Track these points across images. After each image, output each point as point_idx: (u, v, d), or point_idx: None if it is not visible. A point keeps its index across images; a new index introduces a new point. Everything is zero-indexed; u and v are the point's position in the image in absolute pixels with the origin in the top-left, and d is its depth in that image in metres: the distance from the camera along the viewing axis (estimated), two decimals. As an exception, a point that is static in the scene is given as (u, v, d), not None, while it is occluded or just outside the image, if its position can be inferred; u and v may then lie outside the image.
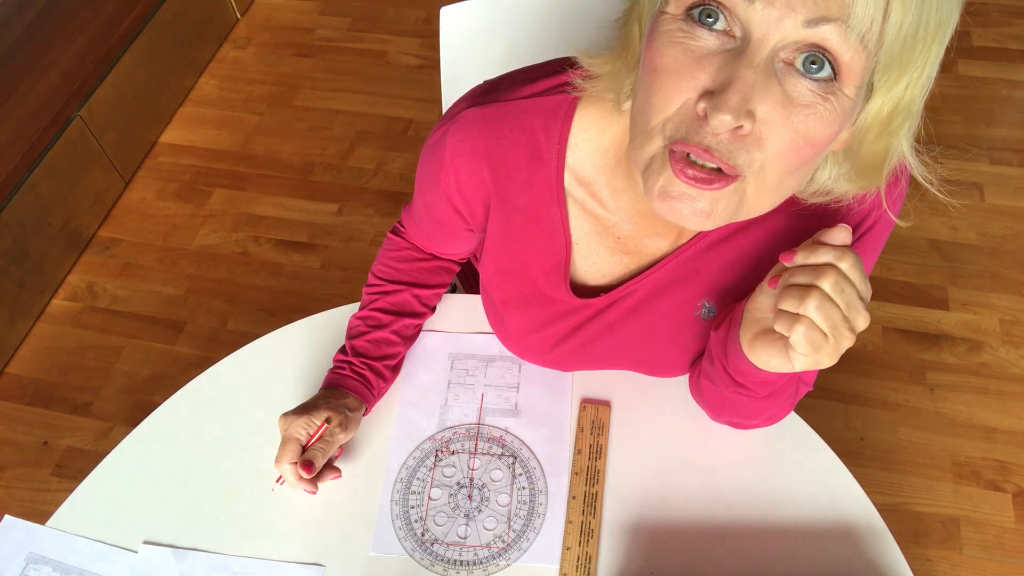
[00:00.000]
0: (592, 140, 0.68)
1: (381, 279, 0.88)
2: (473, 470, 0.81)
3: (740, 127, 0.49)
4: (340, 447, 0.80)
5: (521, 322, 0.80)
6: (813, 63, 0.48)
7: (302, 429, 0.75)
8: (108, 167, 1.91)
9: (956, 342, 1.64)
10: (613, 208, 0.70)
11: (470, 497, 0.79)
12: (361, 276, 1.80)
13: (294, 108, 2.15)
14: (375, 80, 2.20)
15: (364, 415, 0.83)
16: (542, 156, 0.69)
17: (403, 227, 0.91)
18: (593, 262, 0.74)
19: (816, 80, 0.48)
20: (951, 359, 1.62)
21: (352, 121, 2.11)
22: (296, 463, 0.74)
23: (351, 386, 0.81)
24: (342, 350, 0.85)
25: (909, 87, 0.50)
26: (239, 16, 2.38)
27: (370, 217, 1.91)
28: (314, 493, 0.77)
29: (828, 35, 0.46)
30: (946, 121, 2.01)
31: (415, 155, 2.03)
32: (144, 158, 2.05)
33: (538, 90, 0.68)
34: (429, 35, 2.31)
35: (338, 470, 0.79)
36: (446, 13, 1.02)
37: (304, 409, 0.77)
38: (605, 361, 0.83)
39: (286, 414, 0.77)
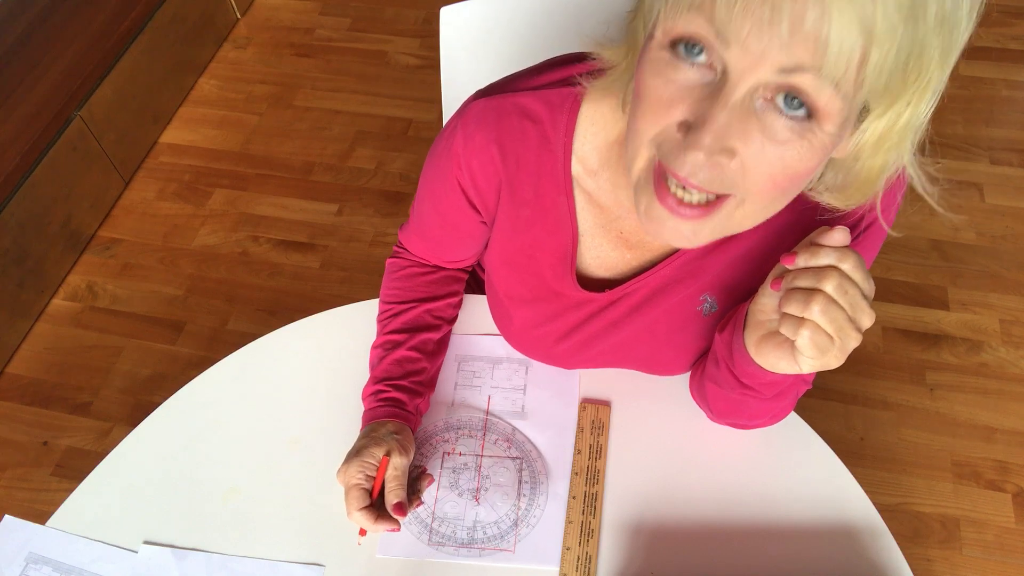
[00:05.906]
0: (599, 134, 0.68)
1: (390, 303, 0.87)
2: (479, 471, 0.81)
3: (716, 163, 0.49)
4: (430, 477, 0.79)
5: (526, 317, 0.79)
6: (793, 98, 0.47)
7: (358, 474, 0.74)
8: (108, 167, 1.91)
9: (956, 342, 1.64)
10: (616, 201, 0.70)
11: (477, 500, 0.79)
12: (361, 276, 1.80)
13: (294, 108, 2.15)
14: (375, 80, 2.20)
15: (414, 431, 0.81)
16: (550, 146, 0.69)
17: (403, 248, 0.90)
18: (597, 255, 0.74)
19: (793, 118, 0.48)
20: (951, 359, 1.62)
21: (352, 121, 2.11)
22: (366, 507, 0.73)
23: (383, 414, 0.80)
24: (366, 386, 0.83)
25: (911, 105, 0.49)
26: (239, 16, 2.38)
27: (370, 217, 1.91)
28: (398, 531, 0.76)
29: (802, 82, 0.46)
30: (946, 121, 2.01)
31: (415, 155, 2.03)
32: (144, 158, 2.05)
33: (544, 82, 0.69)
34: (429, 35, 2.30)
35: (419, 499, 0.78)
36: (446, 13, 1.02)
37: (352, 455, 0.76)
38: (607, 359, 0.83)
39: (340, 467, 0.76)
